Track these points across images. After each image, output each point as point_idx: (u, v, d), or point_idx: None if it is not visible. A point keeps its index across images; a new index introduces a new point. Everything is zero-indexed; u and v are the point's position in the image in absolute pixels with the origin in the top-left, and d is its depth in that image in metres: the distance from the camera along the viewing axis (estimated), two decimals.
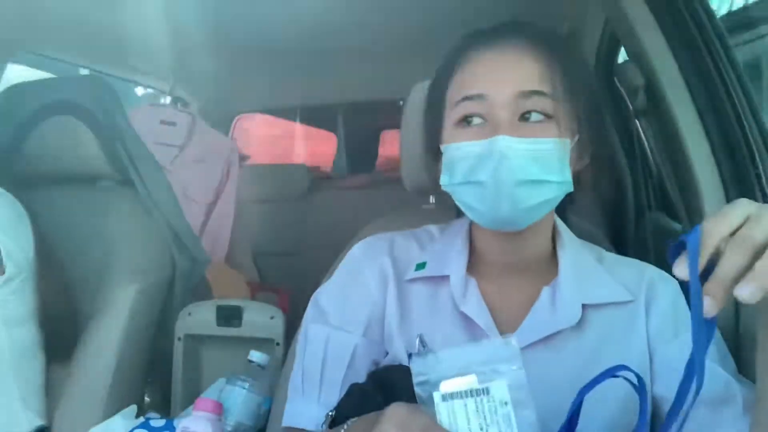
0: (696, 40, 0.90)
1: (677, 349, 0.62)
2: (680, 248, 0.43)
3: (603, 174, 0.72)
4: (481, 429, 0.42)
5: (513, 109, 0.61)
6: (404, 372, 0.56)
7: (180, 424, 0.90)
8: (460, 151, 0.63)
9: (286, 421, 0.71)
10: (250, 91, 2.21)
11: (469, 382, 0.43)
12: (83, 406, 1.06)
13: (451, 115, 0.65)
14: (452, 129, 0.65)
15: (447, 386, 0.43)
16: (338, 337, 0.70)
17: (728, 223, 0.42)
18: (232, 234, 1.84)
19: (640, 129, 1.32)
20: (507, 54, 0.64)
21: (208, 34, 1.55)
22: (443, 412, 0.43)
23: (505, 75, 0.62)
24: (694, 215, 0.91)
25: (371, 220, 0.96)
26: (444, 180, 0.67)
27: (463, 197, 0.65)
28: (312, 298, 0.76)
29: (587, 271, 0.69)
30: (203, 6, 1.36)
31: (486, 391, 0.43)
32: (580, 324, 0.65)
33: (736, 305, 0.78)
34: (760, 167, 0.87)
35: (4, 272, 0.96)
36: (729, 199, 0.88)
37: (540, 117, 0.61)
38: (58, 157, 1.17)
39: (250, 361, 1.03)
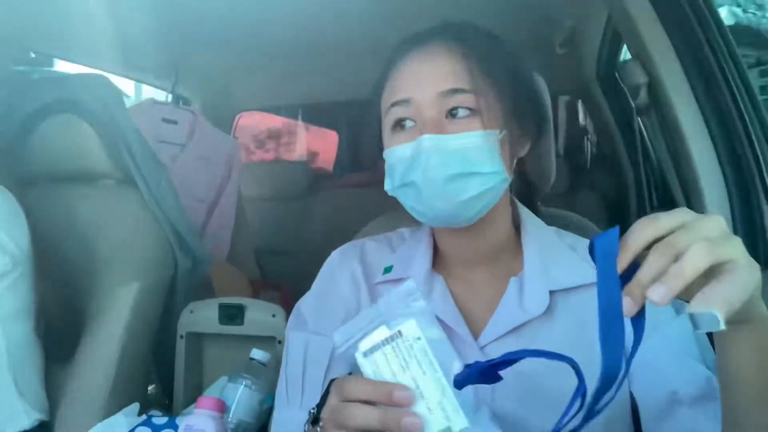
0: (698, 37, 0.90)
1: (654, 345, 0.61)
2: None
3: (606, 172, 0.72)
4: (402, 368, 0.45)
5: (438, 108, 0.63)
6: None
7: (183, 421, 0.90)
8: (395, 155, 0.66)
9: (275, 430, 0.72)
10: (252, 89, 2.20)
11: (381, 333, 0.46)
12: (86, 404, 1.06)
13: (386, 121, 0.68)
14: (389, 134, 0.68)
15: (365, 344, 0.47)
16: (316, 342, 0.71)
17: (655, 228, 0.42)
18: (234, 232, 1.84)
19: (642, 127, 1.32)
20: (428, 56, 0.66)
21: (209, 32, 1.55)
22: (367, 367, 0.46)
23: (426, 77, 0.65)
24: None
25: (373, 217, 0.96)
26: (387, 185, 0.69)
27: (404, 199, 0.67)
28: (294, 307, 0.78)
29: (555, 257, 0.69)
30: (205, 4, 1.36)
31: (399, 334, 0.46)
32: (549, 311, 0.65)
33: None
34: (763, 164, 0.87)
35: None
36: (731, 196, 0.88)
37: (465, 112, 0.63)
38: (61, 155, 1.17)
39: (252, 359, 1.03)
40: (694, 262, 0.39)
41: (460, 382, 0.46)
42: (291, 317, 0.77)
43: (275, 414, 0.73)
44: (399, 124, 0.66)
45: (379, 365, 0.46)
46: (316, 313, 0.74)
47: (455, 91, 0.63)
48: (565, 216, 0.89)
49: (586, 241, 0.73)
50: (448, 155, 0.61)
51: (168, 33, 1.56)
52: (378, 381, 0.46)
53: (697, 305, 0.39)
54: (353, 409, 0.46)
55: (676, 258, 0.40)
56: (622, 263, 0.42)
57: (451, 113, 0.64)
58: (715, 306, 0.38)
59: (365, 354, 0.47)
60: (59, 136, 1.15)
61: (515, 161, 0.69)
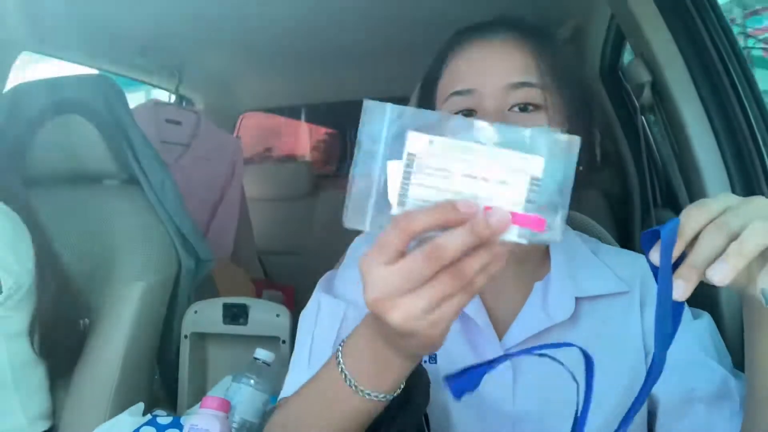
0: (702, 35, 0.90)
1: (674, 346, 0.61)
2: (654, 237, 0.43)
3: (609, 171, 0.72)
4: (446, 178, 0.37)
5: (501, 101, 0.62)
6: None
7: (187, 421, 0.90)
8: None
9: (287, 392, 0.67)
10: (255, 90, 2.21)
11: (395, 171, 0.37)
12: (90, 404, 1.06)
13: (443, 110, 0.66)
14: None
15: (392, 195, 0.38)
16: (355, 316, 0.68)
17: (707, 212, 0.42)
18: (237, 232, 1.84)
19: (646, 125, 1.32)
20: (494, 47, 0.65)
21: (213, 33, 1.56)
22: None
23: (493, 68, 0.63)
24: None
25: None
26: None
27: None
28: (324, 278, 0.75)
29: (581, 263, 0.69)
30: (209, 4, 1.36)
31: (411, 156, 0.37)
32: (573, 318, 0.65)
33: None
34: (767, 162, 0.86)
35: (1, 291, 0.92)
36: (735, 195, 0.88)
37: (529, 107, 0.62)
38: (65, 155, 1.17)
39: (256, 359, 1.03)
40: (755, 240, 0.39)
41: (457, 390, 0.44)
42: (321, 282, 0.74)
43: (290, 375, 0.69)
44: (459, 114, 0.64)
45: (424, 196, 0.37)
46: (352, 288, 0.71)
47: (524, 84, 0.62)
48: (596, 229, 0.89)
49: (606, 247, 0.74)
50: None
51: (171, 34, 1.56)
52: (433, 205, 0.36)
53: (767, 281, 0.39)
54: (442, 245, 0.36)
55: (731, 239, 0.40)
56: (678, 250, 0.42)
57: (513, 107, 0.62)
58: None
59: (400, 203, 0.37)
60: (63, 136, 1.15)
61: None
